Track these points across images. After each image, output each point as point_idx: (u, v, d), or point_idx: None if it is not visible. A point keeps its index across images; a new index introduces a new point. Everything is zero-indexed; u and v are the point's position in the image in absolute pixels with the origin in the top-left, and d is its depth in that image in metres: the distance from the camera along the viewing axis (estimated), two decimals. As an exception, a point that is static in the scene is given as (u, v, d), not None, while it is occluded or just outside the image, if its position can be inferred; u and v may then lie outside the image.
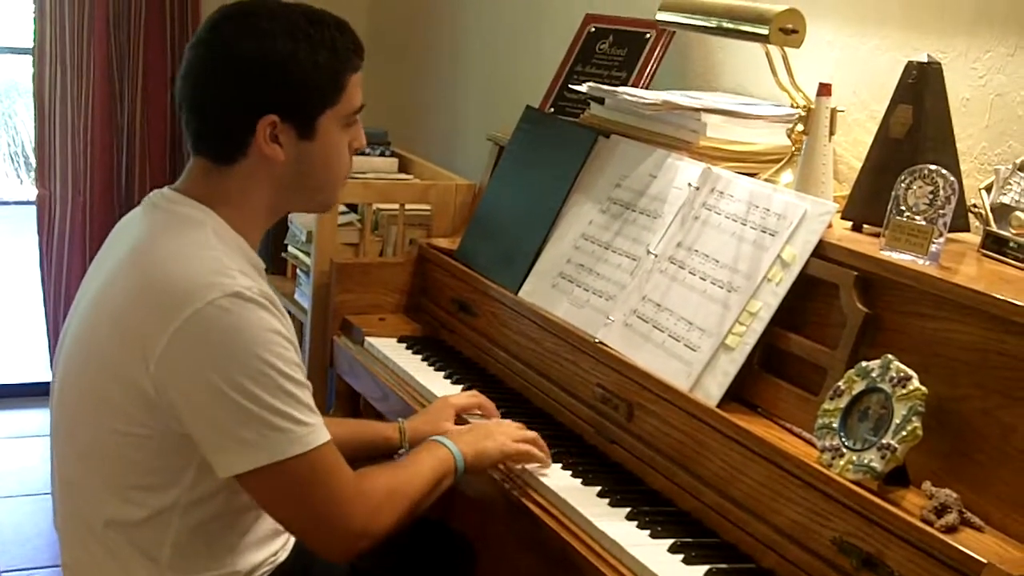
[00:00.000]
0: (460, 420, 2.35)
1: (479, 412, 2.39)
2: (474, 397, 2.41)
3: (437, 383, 2.60)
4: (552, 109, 3.08)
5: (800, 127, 2.30)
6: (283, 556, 1.99)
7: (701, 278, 2.21)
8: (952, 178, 1.92)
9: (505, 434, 2.13)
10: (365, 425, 2.37)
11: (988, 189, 2.06)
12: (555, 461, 2.18)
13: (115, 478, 1.81)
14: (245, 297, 1.71)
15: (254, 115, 1.82)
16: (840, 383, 1.86)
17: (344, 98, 1.89)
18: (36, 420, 4.64)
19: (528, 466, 2.15)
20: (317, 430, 1.75)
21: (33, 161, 4.51)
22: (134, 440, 1.77)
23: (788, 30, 2.26)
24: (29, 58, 4.33)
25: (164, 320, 1.70)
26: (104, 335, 1.78)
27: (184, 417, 1.72)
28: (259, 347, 1.70)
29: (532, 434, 2.17)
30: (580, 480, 2.12)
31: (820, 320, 2.05)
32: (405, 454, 2.25)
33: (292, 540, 2.02)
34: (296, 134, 1.85)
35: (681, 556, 1.86)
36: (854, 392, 1.83)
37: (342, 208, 3.39)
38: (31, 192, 4.51)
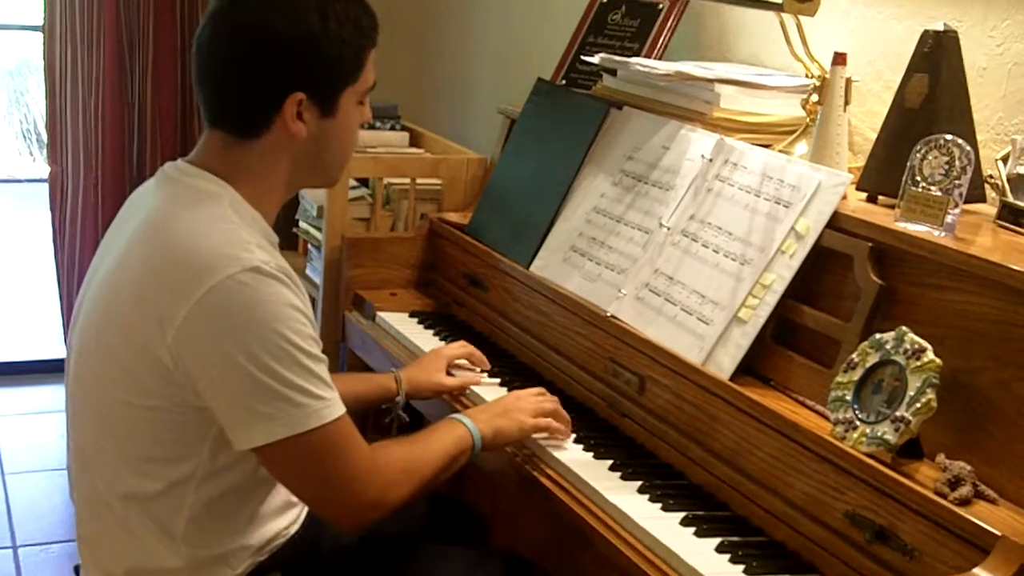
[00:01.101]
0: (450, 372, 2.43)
1: (468, 363, 2.46)
2: (464, 347, 2.47)
3: (448, 358, 2.59)
4: (564, 81, 3.06)
5: (815, 97, 2.29)
6: (294, 529, 1.99)
7: (714, 251, 2.20)
8: (968, 148, 1.91)
9: (523, 410, 2.12)
10: (362, 379, 2.42)
11: (1005, 160, 2.04)
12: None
13: (131, 450, 1.81)
14: (264, 272, 1.70)
15: (283, 92, 1.80)
16: (854, 355, 1.85)
17: (363, 75, 1.88)
18: (50, 396, 4.66)
19: (542, 440, 2.14)
20: (333, 404, 1.75)
21: (45, 138, 4.50)
22: (150, 412, 1.76)
23: (802, -1, 2.24)
24: (40, 35, 4.32)
25: (183, 293, 1.69)
26: (123, 307, 1.77)
27: (201, 390, 1.72)
28: (277, 322, 1.69)
29: (551, 406, 2.16)
30: (592, 454, 2.12)
31: (834, 292, 2.03)
32: (402, 401, 2.33)
33: (303, 513, 2.02)
34: (319, 111, 1.84)
35: (693, 529, 1.86)
36: (868, 364, 1.82)
37: (353, 183, 3.38)
38: (44, 170, 4.50)
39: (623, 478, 2.03)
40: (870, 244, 1.96)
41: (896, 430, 1.71)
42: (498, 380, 2.44)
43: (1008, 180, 2.01)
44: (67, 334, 3.92)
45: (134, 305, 1.75)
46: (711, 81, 2.44)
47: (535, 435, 2.14)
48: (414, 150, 3.71)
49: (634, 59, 2.66)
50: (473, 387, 2.40)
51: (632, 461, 2.09)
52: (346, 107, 1.87)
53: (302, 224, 3.59)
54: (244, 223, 1.78)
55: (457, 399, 2.38)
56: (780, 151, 2.31)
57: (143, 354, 1.73)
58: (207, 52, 1.82)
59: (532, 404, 2.15)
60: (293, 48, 1.78)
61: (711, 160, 2.31)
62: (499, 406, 2.14)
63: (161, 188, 1.87)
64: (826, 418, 1.87)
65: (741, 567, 1.75)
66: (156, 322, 1.71)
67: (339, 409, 1.76)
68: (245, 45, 1.79)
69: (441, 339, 2.70)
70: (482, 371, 2.47)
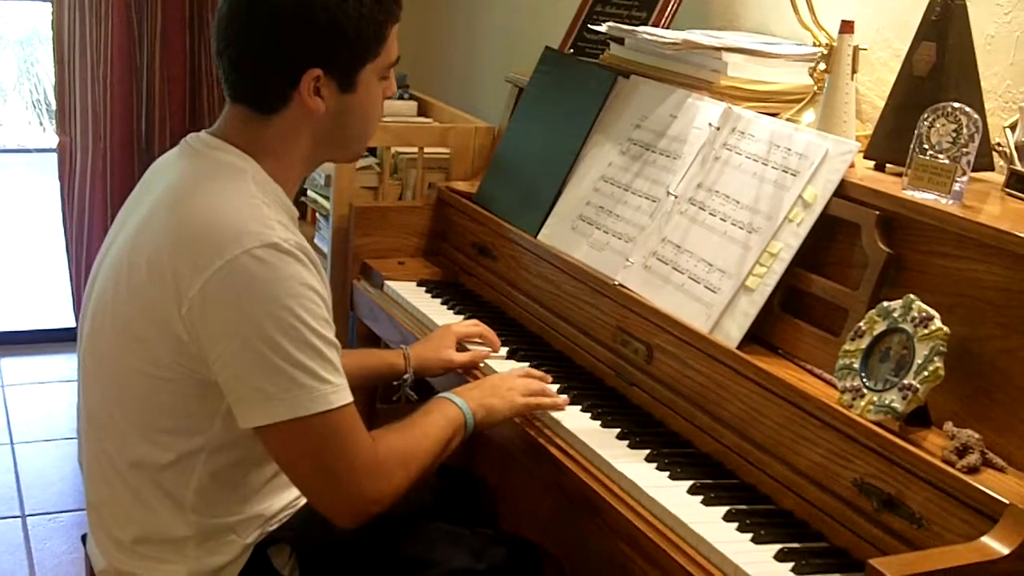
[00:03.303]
0: (461, 348, 2.40)
1: (479, 340, 2.44)
2: (476, 326, 2.45)
3: (456, 327, 2.59)
4: (572, 50, 3.05)
5: (822, 66, 2.28)
6: (304, 499, 1.99)
7: (721, 219, 2.20)
8: (976, 116, 1.90)
9: (512, 388, 2.11)
10: (370, 353, 2.42)
11: (1012, 127, 2.03)
12: (574, 403, 2.18)
13: (142, 420, 1.81)
14: (281, 249, 1.69)
15: (299, 68, 1.79)
16: (861, 324, 1.85)
17: (384, 50, 1.86)
18: (60, 366, 4.67)
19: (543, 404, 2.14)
20: (340, 390, 1.74)
21: (55, 108, 4.50)
22: (163, 383, 1.76)
23: (810, -34, 2.23)
24: (49, 5, 4.32)
25: (200, 265, 1.69)
26: (140, 277, 1.77)
27: (212, 364, 1.72)
28: (291, 299, 1.68)
29: (537, 384, 2.16)
30: (599, 422, 2.12)
31: (841, 260, 2.03)
32: (410, 379, 2.32)
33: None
34: (338, 87, 1.83)
35: (700, 497, 1.86)
36: (875, 332, 1.82)
37: (361, 152, 3.38)
38: (54, 139, 4.50)
39: (631, 446, 2.03)
40: (878, 212, 1.95)
41: (904, 398, 1.72)
42: (506, 350, 2.44)
43: (1016, 148, 2.00)
44: (76, 303, 3.91)
45: (151, 276, 1.75)
46: (718, 49, 2.43)
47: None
48: (422, 119, 3.70)
49: (642, 28, 2.65)
50: (484, 361, 2.39)
51: (640, 429, 2.10)
52: (366, 82, 1.86)
53: (310, 193, 3.59)
54: (267, 199, 1.77)
55: (470, 373, 2.38)
56: (787, 119, 2.30)
57: (158, 325, 1.73)
58: (224, 27, 1.81)
59: (520, 383, 2.14)
60: (309, 25, 1.77)
61: (718, 128, 2.31)
62: (487, 385, 2.13)
63: (184, 160, 1.87)
64: (834, 386, 1.87)
65: (749, 535, 1.76)
66: (173, 294, 1.71)
67: (346, 396, 1.74)
68: (260, 21, 1.78)
69: (449, 308, 2.70)
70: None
